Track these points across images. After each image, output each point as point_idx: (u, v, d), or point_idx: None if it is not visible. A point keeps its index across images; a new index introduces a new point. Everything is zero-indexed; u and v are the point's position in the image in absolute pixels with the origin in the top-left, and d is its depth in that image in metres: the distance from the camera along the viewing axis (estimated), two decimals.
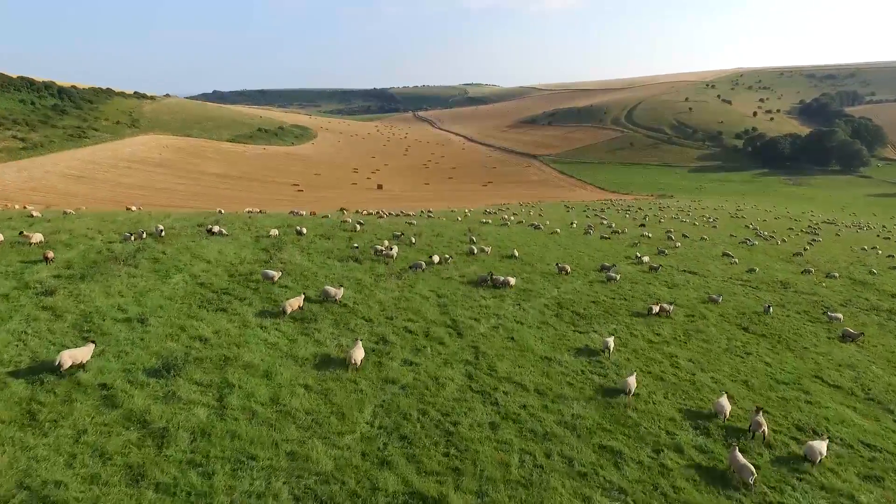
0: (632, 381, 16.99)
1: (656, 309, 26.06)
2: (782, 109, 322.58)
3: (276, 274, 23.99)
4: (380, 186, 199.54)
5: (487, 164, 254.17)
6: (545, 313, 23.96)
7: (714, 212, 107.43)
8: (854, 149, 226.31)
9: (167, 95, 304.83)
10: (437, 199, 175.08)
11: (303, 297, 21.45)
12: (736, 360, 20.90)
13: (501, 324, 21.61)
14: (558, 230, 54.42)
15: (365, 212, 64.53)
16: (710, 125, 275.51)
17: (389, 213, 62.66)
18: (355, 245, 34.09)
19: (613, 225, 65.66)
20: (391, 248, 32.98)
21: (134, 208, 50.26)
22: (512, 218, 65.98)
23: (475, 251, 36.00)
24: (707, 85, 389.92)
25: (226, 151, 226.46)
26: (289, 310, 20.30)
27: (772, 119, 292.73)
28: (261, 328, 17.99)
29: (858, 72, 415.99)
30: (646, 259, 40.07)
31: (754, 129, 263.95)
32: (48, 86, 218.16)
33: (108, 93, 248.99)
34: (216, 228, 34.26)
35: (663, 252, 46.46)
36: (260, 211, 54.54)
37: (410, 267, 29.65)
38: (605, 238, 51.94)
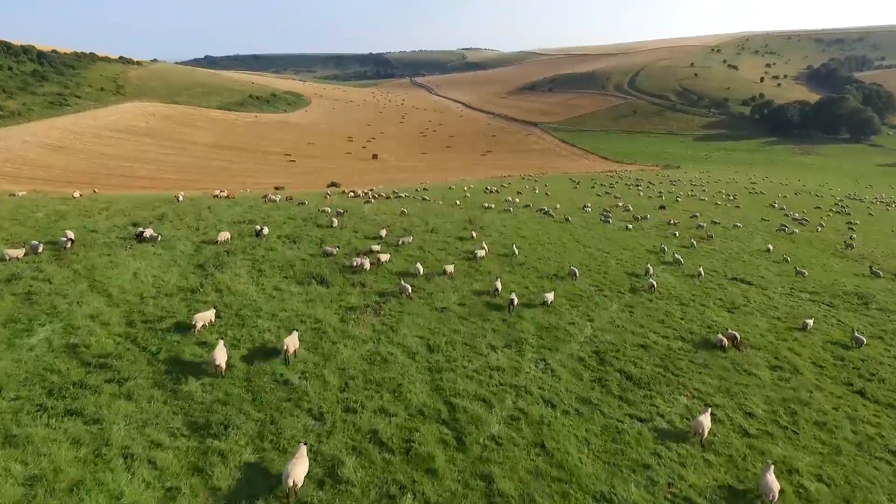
0: (771, 480, 11.53)
1: (725, 342, 19.39)
2: (790, 75, 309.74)
3: (201, 319, 16.39)
4: (375, 156, 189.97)
5: (486, 133, 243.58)
6: (582, 377, 16.43)
7: (728, 186, 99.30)
8: (865, 116, 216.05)
9: (154, 60, 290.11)
10: (434, 169, 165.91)
11: (224, 352, 14.19)
12: (881, 469, 13.51)
13: (523, 410, 14.05)
14: (570, 218, 46.64)
15: (351, 193, 56.45)
16: (715, 92, 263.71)
17: (379, 196, 54.59)
18: (328, 249, 26.50)
19: (631, 208, 57.76)
20: (370, 253, 25.68)
21: (77, 194, 42.12)
22: (517, 200, 57.90)
23: (478, 256, 28.46)
24: (712, 49, 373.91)
25: (215, 120, 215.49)
26: (218, 362, 13.75)
27: (779, 85, 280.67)
28: (125, 458, 10.45)
29: (867, 35, 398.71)
30: (680, 259, 32.49)
31: (761, 95, 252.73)
32: (27, 50, 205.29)
33: (92, 57, 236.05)
34: (148, 233, 26.39)
35: (693, 245, 39.11)
36: (227, 195, 46.44)
37: (398, 284, 22.18)
38: (628, 229, 44.11)
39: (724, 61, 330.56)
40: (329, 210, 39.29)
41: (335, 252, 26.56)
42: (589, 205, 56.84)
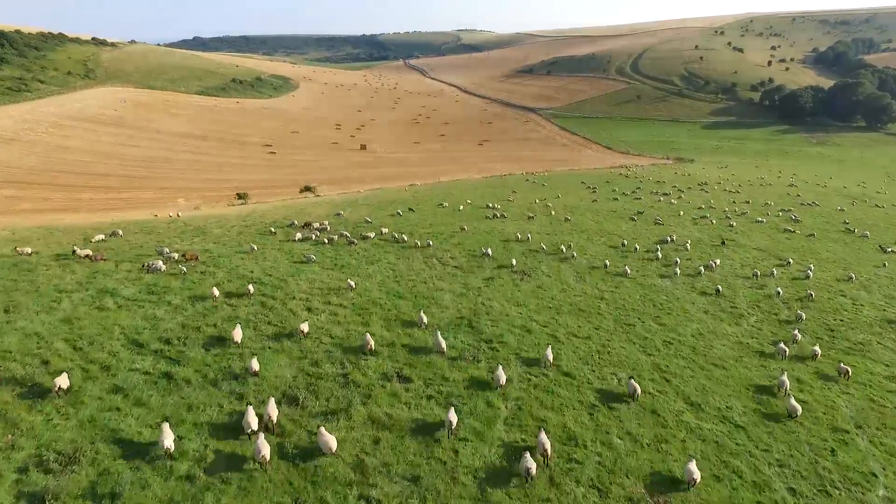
0: None
1: None
2: (796, 58, 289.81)
3: None
4: (363, 147, 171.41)
5: (483, 120, 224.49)
6: None
7: (765, 191, 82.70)
8: (882, 103, 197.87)
9: (132, 41, 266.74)
10: (426, 162, 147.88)
11: None
12: None
13: None
14: (629, 272, 30.42)
15: (298, 234, 39.18)
16: (722, 76, 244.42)
17: (339, 235, 37.42)
18: None
19: (688, 247, 41.04)
20: None
21: None
22: (531, 236, 40.82)
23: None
24: (716, 31, 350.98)
25: (193, 106, 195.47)
26: None
27: (787, 69, 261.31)
28: None
29: (874, 17, 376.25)
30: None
31: (770, 80, 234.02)
32: None
33: (60, 38, 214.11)
34: None
35: (800, 319, 23.65)
36: (90, 253, 29.11)
37: None
38: (708, 293, 27.46)
39: (729, 44, 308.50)
40: (228, 305, 22.22)
41: None
42: (634, 244, 39.95)
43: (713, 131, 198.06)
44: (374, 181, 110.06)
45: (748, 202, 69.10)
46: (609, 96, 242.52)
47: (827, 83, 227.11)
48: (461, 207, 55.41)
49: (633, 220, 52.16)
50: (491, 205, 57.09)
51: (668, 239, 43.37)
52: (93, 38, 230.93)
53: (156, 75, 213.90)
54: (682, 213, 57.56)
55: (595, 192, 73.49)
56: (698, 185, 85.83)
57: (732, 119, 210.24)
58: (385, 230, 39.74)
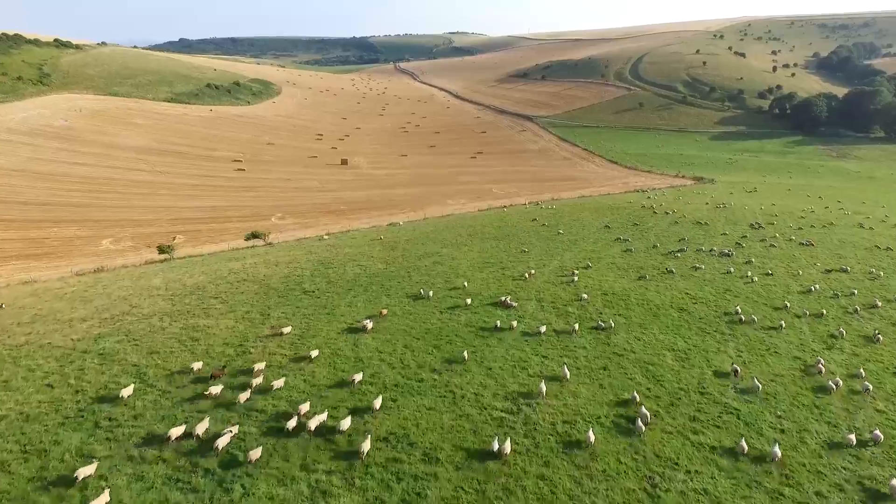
0: None
1: None
2: (798, 63, 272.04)
3: None
4: (344, 161, 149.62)
5: (476, 128, 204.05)
6: None
7: (833, 235, 63.60)
8: None
9: (102, 43, 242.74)
10: (413, 182, 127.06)
11: None
12: None
13: None
14: None
15: (175, 430, 18.62)
16: (728, 82, 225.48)
17: (234, 435, 17.20)
18: None
19: (867, 394, 21.05)
20: None
21: None
22: (583, 402, 20.76)
23: None
24: (715, 35, 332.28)
25: (158, 115, 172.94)
26: None
27: (793, 75, 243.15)
28: None
29: (873, 21, 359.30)
30: None
31: (778, 87, 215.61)
32: None
33: (15, 40, 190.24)
34: None
35: None
36: None
37: None
38: None
39: (730, 48, 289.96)
40: None
41: None
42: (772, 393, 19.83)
43: (723, 143, 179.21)
44: (350, 213, 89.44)
45: (846, 270, 48.88)
46: (609, 104, 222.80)
47: (834, 89, 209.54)
48: (456, 306, 35.02)
49: (728, 337, 31.82)
50: (502, 299, 36.68)
51: (816, 372, 23.59)
52: (55, 40, 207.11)
53: (121, 80, 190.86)
54: (787, 303, 37.49)
55: (630, 249, 53.40)
56: (750, 227, 66.27)
57: (742, 129, 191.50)
58: (314, 419, 19.51)
